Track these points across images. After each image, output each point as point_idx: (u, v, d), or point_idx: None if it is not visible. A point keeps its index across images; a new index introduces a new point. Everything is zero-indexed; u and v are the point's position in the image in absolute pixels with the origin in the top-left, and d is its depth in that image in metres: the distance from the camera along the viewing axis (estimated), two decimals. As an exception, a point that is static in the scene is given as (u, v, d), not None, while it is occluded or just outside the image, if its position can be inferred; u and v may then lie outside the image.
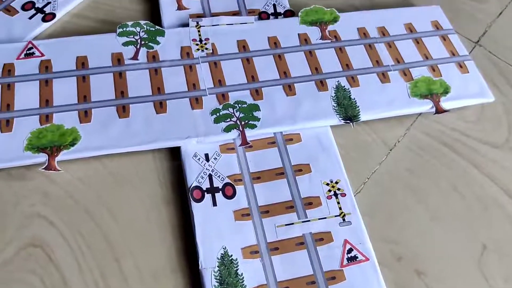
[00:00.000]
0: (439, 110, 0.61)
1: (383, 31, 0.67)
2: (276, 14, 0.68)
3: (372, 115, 0.60)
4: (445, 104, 0.61)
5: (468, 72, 0.64)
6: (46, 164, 0.52)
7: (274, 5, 0.69)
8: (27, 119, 0.55)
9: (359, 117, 0.58)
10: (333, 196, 0.54)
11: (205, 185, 0.53)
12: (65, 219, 0.51)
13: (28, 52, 0.59)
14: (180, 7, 0.67)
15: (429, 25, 0.69)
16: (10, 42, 0.61)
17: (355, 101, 0.60)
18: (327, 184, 0.54)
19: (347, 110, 0.59)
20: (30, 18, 0.64)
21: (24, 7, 0.65)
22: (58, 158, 0.52)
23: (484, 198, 0.57)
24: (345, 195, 0.54)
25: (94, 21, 0.67)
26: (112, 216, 0.52)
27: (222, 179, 0.54)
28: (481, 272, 0.52)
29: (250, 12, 0.68)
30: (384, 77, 0.62)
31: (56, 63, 0.59)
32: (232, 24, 0.65)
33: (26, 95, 0.56)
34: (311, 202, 0.53)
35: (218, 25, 0.65)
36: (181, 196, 0.54)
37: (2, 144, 0.53)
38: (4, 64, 0.58)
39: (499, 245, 0.54)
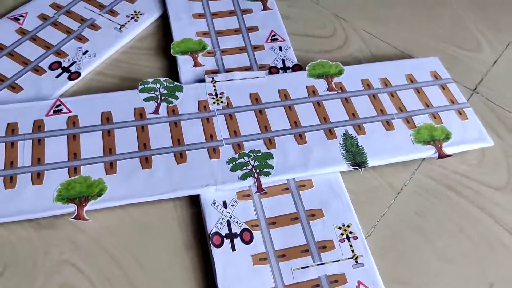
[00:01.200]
0: (441, 155, 0.64)
1: (385, 82, 0.71)
2: (285, 68, 0.73)
3: (379, 161, 0.63)
4: (447, 149, 0.65)
5: (468, 119, 0.68)
6: (75, 214, 0.55)
7: (283, 60, 0.74)
8: (56, 172, 0.58)
9: (367, 163, 0.62)
10: (345, 239, 0.57)
11: (224, 231, 0.56)
12: (93, 266, 0.54)
13: (56, 109, 0.64)
14: (196, 64, 0.72)
15: (428, 75, 0.73)
16: (39, 100, 0.65)
17: (363, 148, 0.63)
18: (340, 228, 0.57)
19: (355, 157, 0.62)
20: (57, 77, 0.69)
21: (51, 67, 0.70)
22: (86, 208, 0.56)
23: (489, 238, 0.60)
24: (357, 238, 0.57)
25: (116, 78, 0.72)
26: (137, 262, 0.55)
27: (240, 225, 0.57)
28: (490, 311, 0.55)
29: (261, 67, 0.73)
30: (388, 125, 0.66)
31: (83, 118, 0.63)
32: (244, 78, 0.70)
33: (56, 149, 0.60)
34: (325, 246, 0.56)
35: (232, 79, 0.69)
36: (202, 242, 0.57)
37: (34, 195, 0.56)
38: (35, 120, 0.62)
39: (505, 283, 0.56)
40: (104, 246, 0.56)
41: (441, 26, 0.85)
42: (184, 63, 0.72)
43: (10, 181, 0.57)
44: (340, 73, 0.72)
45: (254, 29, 0.78)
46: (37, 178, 0.58)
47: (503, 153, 0.68)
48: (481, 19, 0.87)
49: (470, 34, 0.84)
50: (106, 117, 0.64)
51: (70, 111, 0.64)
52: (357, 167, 0.62)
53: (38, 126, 0.62)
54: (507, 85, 0.77)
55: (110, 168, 0.59)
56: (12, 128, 0.61)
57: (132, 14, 0.78)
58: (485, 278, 0.57)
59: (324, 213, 0.59)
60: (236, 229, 0.56)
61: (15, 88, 0.67)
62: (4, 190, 0.56)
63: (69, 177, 0.58)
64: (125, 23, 0.77)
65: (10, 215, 0.55)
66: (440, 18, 0.87)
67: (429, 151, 0.64)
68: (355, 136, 0.65)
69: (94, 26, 0.76)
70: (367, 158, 0.62)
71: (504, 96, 0.75)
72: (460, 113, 0.69)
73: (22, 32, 0.74)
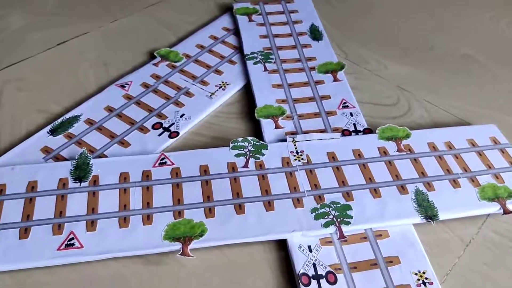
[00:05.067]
0: (506, 211, 0.70)
1: (449, 145, 0.79)
2: (356, 132, 0.82)
3: (449, 215, 0.69)
4: (511, 206, 0.70)
5: (528, 179, 0.75)
6: (181, 251, 0.63)
7: (354, 124, 0.83)
8: (163, 215, 0.67)
9: (438, 217, 0.68)
10: (422, 284, 0.62)
11: (311, 272, 0.62)
12: (195, 298, 0.61)
13: (161, 161, 0.74)
14: (277, 127, 0.82)
15: (488, 140, 0.80)
16: (145, 154, 0.76)
17: (433, 203, 0.70)
18: (416, 274, 0.63)
19: (427, 211, 0.69)
20: (159, 135, 0.80)
21: (154, 127, 0.81)
22: (190, 247, 0.63)
23: (559, 290, 0.64)
24: (433, 283, 0.62)
25: (208, 137, 0.82)
26: (234, 296, 0.61)
27: (324, 267, 0.63)
28: None
29: (334, 130, 0.82)
30: (455, 183, 0.73)
31: (184, 170, 0.73)
32: (321, 139, 0.79)
33: (162, 195, 0.69)
34: (404, 289, 0.61)
35: (310, 140, 0.78)
36: (290, 282, 0.63)
37: (144, 234, 0.65)
38: (143, 170, 0.72)
39: None
40: (203, 281, 0.63)
41: (495, 99, 0.93)
42: (267, 125, 0.82)
43: (124, 221, 0.66)
44: (407, 136, 0.80)
45: (326, 97, 0.88)
46: (147, 219, 0.66)
47: None
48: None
49: (525, 106, 0.92)
50: (204, 170, 0.73)
51: (173, 164, 0.73)
52: (429, 220, 0.68)
53: (146, 175, 0.72)
54: None
55: (209, 213, 0.67)
56: (124, 177, 0.71)
57: (220, 84, 0.90)
58: (558, 327, 0.60)
59: (400, 260, 0.64)
60: (321, 271, 0.63)
61: (123, 143, 0.78)
62: (119, 229, 0.65)
63: (174, 219, 0.66)
64: (215, 92, 0.88)
65: (124, 250, 0.63)
66: (495, 92, 0.95)
67: (494, 207, 0.70)
68: (426, 192, 0.71)
69: (188, 94, 0.88)
70: (438, 212, 0.69)
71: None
72: (520, 174, 0.75)
73: (128, 97, 0.86)
